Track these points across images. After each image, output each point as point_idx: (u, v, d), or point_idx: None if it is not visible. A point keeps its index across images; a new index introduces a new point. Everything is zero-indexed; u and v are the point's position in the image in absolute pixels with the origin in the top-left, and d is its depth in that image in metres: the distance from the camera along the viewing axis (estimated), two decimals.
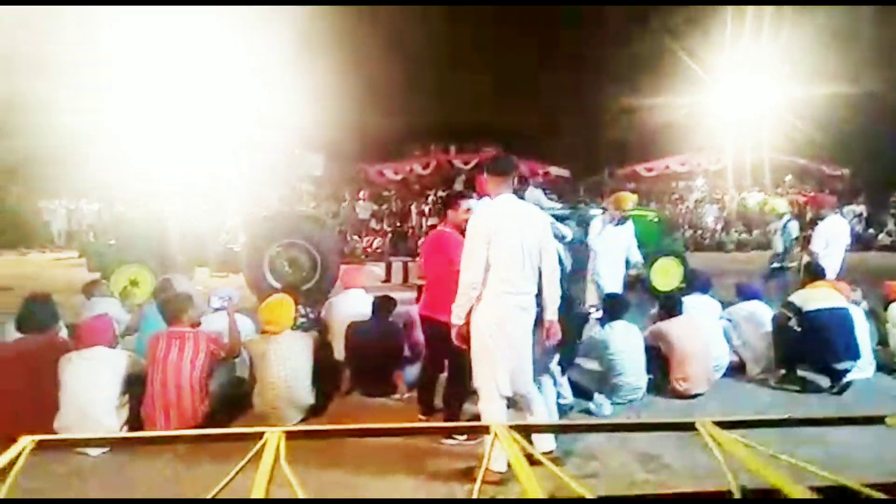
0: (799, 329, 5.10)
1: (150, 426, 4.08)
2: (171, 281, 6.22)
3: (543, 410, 3.64)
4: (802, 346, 5.08)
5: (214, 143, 10.56)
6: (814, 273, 5.73)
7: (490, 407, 3.46)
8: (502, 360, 3.47)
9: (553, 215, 9.75)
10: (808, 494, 1.23)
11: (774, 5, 20.43)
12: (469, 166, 20.73)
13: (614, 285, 6.37)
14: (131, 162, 12.58)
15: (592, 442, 3.89)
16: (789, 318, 5.17)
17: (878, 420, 1.58)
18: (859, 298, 5.95)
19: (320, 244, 9.18)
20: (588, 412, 4.67)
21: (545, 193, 10.35)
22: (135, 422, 4.13)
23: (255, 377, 4.47)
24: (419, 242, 18.81)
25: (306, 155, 10.52)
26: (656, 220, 10.94)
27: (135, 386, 4.19)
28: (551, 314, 3.56)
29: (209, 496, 1.28)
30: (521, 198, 10.12)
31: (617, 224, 6.42)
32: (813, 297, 5.20)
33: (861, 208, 20.85)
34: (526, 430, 1.55)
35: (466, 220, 3.95)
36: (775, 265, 8.31)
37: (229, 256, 9.55)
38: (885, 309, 5.85)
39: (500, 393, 3.46)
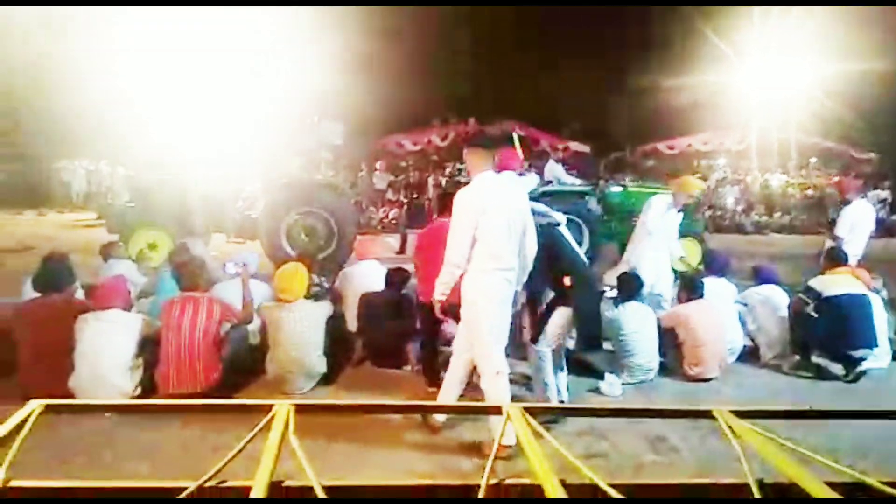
0: (816, 314, 5.03)
1: (164, 388, 4.12)
2: (188, 245, 6.25)
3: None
4: (819, 331, 5.01)
5: (235, 110, 10.51)
6: (835, 259, 5.62)
7: (497, 384, 3.46)
8: (500, 335, 3.55)
9: (573, 191, 9.77)
10: (827, 490, 1.19)
11: None
12: None
13: (656, 271, 6.18)
14: (152, 126, 12.60)
15: (602, 422, 3.88)
16: (807, 304, 5.09)
17: (893, 414, 1.53)
18: (879, 286, 5.84)
19: (337, 213, 9.19)
20: (599, 392, 4.66)
21: (565, 169, 10.25)
22: (148, 384, 4.19)
23: (269, 343, 4.51)
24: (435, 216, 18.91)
25: (326, 123, 10.43)
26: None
27: (148, 348, 4.23)
28: (522, 287, 3.82)
29: (219, 465, 1.28)
30: (540, 172, 10.13)
31: (680, 210, 6.25)
32: (833, 283, 5.11)
33: (887, 193, 20.42)
34: (539, 412, 1.53)
35: None
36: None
37: (247, 223, 9.58)
38: None
39: (502, 368, 3.49)
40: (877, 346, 5.02)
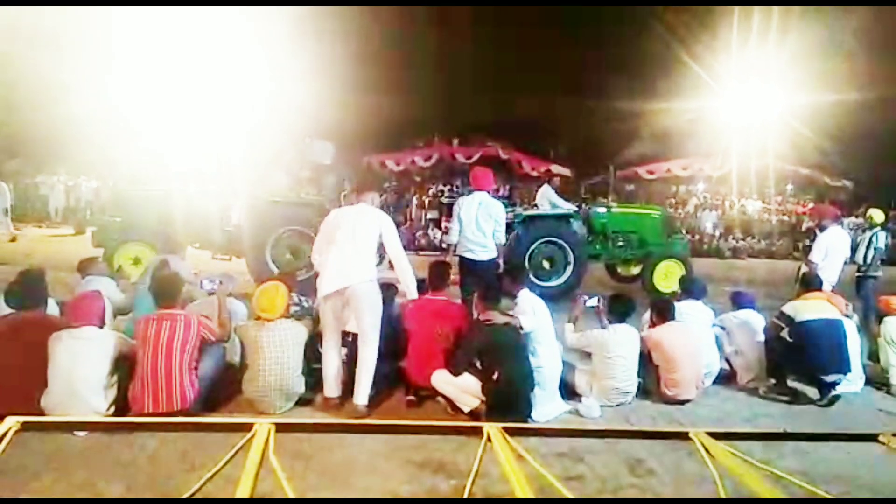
0: (791, 339, 5.10)
1: (138, 408, 4.05)
2: (168, 262, 6.19)
3: None
4: (793, 356, 5.09)
5: (220, 127, 10.51)
6: (809, 284, 5.74)
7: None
8: None
9: (558, 215, 9.98)
10: None
11: (782, 4, 20.35)
12: (471, 160, 20.78)
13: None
14: (134, 141, 12.54)
15: (581, 444, 3.88)
16: (782, 328, 5.17)
17: (870, 437, 1.57)
18: (851, 312, 5.95)
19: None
20: (577, 413, 4.68)
21: (558, 194, 10.42)
22: (122, 402, 4.12)
23: (247, 363, 4.47)
24: (417, 234, 18.92)
25: (318, 143, 10.47)
26: (660, 217, 11.01)
27: (123, 367, 4.17)
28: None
29: (197, 484, 1.27)
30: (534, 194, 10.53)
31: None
32: (806, 308, 5.20)
33: (861, 220, 20.84)
34: (518, 432, 1.54)
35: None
36: (861, 274, 8.08)
37: (232, 240, 9.53)
38: (879, 323, 5.85)
39: None
40: (849, 370, 5.11)
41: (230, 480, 1.23)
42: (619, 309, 5.11)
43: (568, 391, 4.94)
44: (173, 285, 4.44)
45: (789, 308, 5.27)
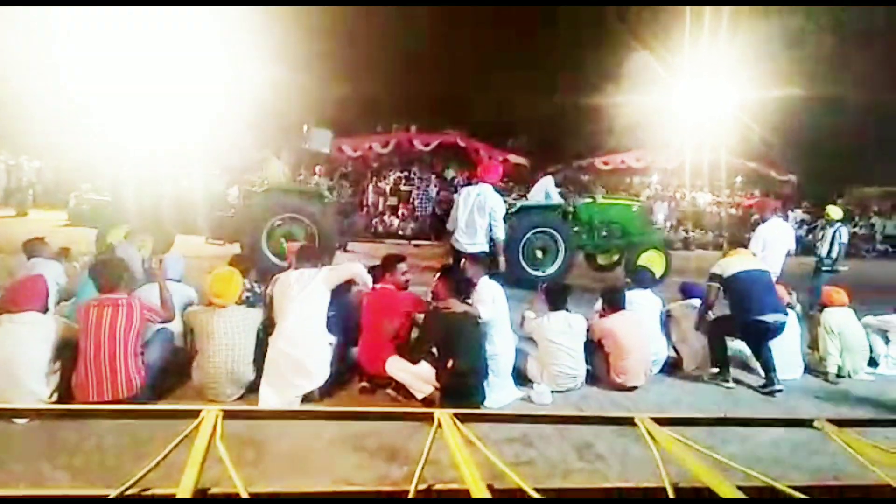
0: (725, 294, 5.39)
1: (82, 396, 3.93)
2: (115, 247, 6.02)
3: None
4: (734, 310, 5.40)
5: (175, 110, 10.32)
6: (734, 244, 5.96)
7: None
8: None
9: (549, 206, 10.28)
10: (737, 493, 1.26)
11: (733, 5, 20.87)
12: (429, 148, 20.73)
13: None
14: (80, 120, 12.14)
15: (532, 430, 3.94)
16: (717, 289, 5.40)
17: (807, 423, 1.64)
18: (794, 302, 6.18)
19: (319, 221, 9.20)
20: (529, 400, 4.75)
21: (504, 181, 10.60)
22: (66, 390, 3.99)
23: (196, 349, 4.38)
24: (374, 221, 18.81)
25: (316, 131, 10.39)
26: (640, 209, 11.43)
27: (67, 353, 4.04)
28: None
29: (141, 472, 1.25)
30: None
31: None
32: (731, 264, 5.43)
33: (805, 215, 21.64)
34: (468, 418, 1.55)
35: (406, 280, 5.05)
36: (823, 268, 8.69)
37: (224, 225, 9.49)
38: (820, 312, 6.11)
39: None
40: (784, 312, 5.34)
41: (177, 468, 1.21)
42: (555, 297, 5.22)
43: (520, 378, 5.02)
44: (115, 270, 4.29)
45: (717, 268, 5.50)
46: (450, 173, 21.37)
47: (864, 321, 6.18)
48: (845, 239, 8.71)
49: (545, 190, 10.56)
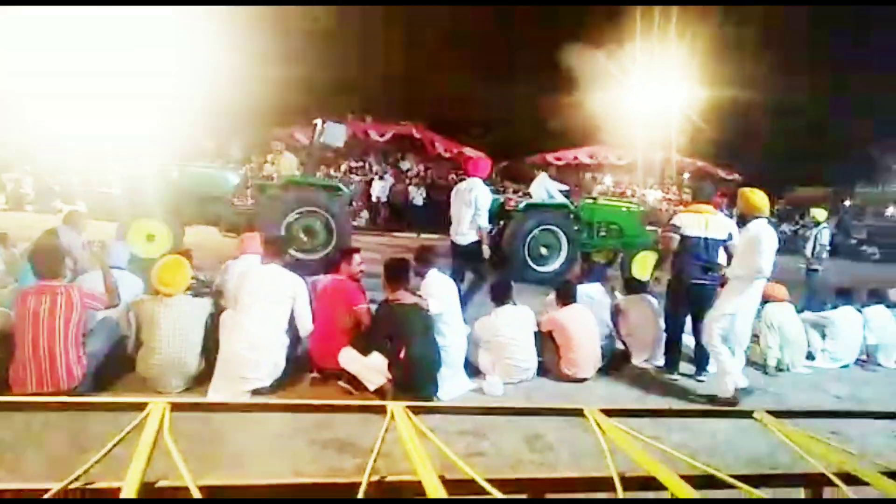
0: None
1: (20, 388, 3.78)
2: (57, 232, 5.80)
3: None
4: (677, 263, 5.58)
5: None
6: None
7: None
8: None
9: (555, 204, 10.49)
10: (679, 482, 1.30)
11: (682, 5, 21.39)
12: (384, 138, 20.62)
13: None
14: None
15: (484, 421, 3.98)
16: (676, 234, 5.51)
17: (746, 414, 1.70)
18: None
19: (336, 213, 9.31)
20: (481, 391, 4.79)
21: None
22: (2, 381, 3.84)
23: (141, 340, 4.27)
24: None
25: (330, 125, 10.21)
26: (638, 211, 11.76)
27: (3, 343, 3.88)
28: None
29: (85, 465, 1.21)
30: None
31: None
32: (690, 224, 5.51)
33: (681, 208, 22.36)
34: (420, 410, 1.56)
35: (361, 271, 5.08)
36: (807, 268, 9.18)
37: (241, 219, 9.41)
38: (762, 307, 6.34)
39: None
40: (711, 279, 5.46)
41: (124, 463, 1.18)
42: (499, 293, 5.30)
43: (473, 370, 5.06)
44: (53, 256, 4.13)
45: (678, 220, 5.66)
46: (405, 164, 21.32)
47: (802, 316, 6.44)
48: (825, 240, 9.15)
49: (545, 187, 10.80)
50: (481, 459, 3.56)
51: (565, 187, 11.91)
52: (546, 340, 5.28)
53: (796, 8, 23.68)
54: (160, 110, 10.30)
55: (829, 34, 25.06)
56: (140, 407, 1.39)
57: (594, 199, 11.59)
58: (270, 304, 4.39)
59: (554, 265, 10.17)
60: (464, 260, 6.49)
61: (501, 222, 10.31)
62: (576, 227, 10.77)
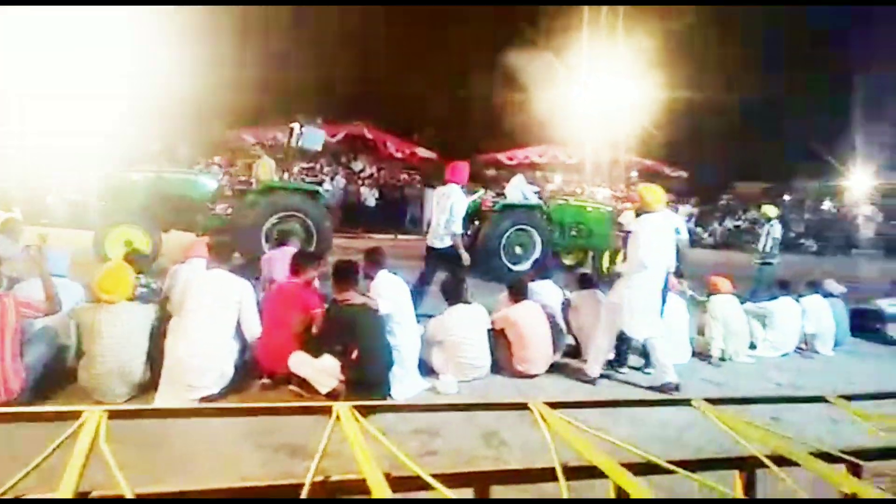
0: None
1: None
2: None
3: None
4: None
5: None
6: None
7: None
8: None
9: (529, 205, 10.75)
10: (621, 470, 1.34)
11: (629, 5, 21.86)
12: (335, 139, 20.42)
13: None
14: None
15: (438, 420, 3.99)
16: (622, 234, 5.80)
17: (685, 402, 1.76)
18: (685, 290, 6.59)
19: (315, 216, 9.37)
20: (435, 390, 4.80)
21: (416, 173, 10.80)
22: None
23: (83, 349, 4.13)
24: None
25: (308, 129, 10.24)
26: (607, 213, 11.95)
27: None
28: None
29: (18, 476, 1.17)
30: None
31: None
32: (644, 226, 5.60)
33: (693, 209, 23.00)
34: (366, 410, 1.56)
35: (314, 276, 4.99)
36: (760, 262, 9.61)
37: (219, 224, 9.34)
38: (707, 300, 6.54)
39: None
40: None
41: (60, 473, 1.15)
42: (450, 291, 5.35)
43: (428, 369, 5.07)
44: None
45: (623, 218, 5.84)
46: (357, 165, 21.16)
47: (744, 308, 6.66)
48: (777, 234, 9.66)
49: (520, 189, 11.04)
50: (435, 458, 3.58)
51: (537, 188, 12.16)
52: (499, 338, 5.33)
53: (742, 8, 24.54)
54: (106, 112, 9.98)
55: (774, 35, 26.03)
56: (76, 416, 1.35)
57: (565, 200, 11.87)
58: (216, 310, 4.31)
59: (528, 264, 10.38)
60: (439, 263, 6.55)
61: (476, 222, 10.58)
62: (548, 228, 11.01)
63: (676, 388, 5.05)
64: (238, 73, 18.88)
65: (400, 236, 15.71)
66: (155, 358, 4.29)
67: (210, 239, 5.65)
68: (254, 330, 4.48)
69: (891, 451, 1.82)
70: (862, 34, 25.85)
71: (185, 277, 4.90)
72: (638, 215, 5.43)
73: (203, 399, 4.14)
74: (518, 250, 10.46)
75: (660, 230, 5.15)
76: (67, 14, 13.04)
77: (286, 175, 10.32)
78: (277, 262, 5.89)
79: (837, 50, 26.06)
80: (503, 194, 11.35)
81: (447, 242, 6.49)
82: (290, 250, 5.93)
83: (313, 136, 10.38)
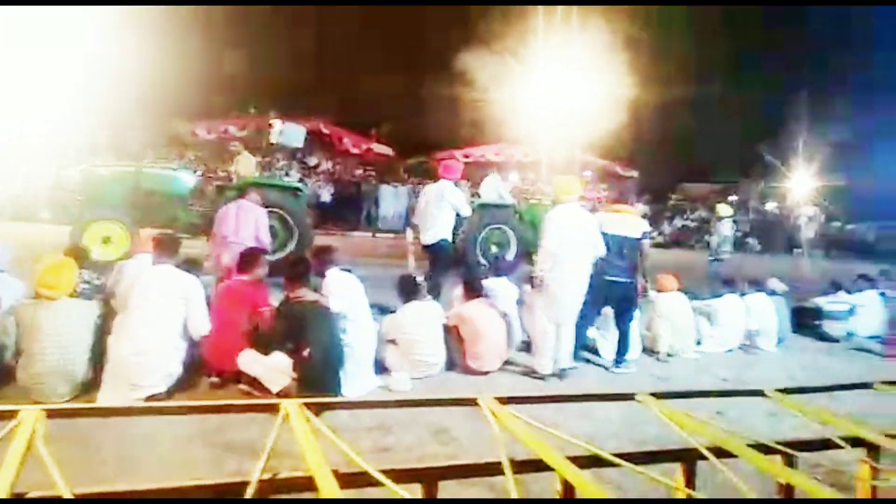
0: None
1: None
2: None
3: None
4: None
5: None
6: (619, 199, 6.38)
7: None
8: None
9: (504, 205, 10.86)
10: (566, 463, 1.37)
11: (583, 5, 22.20)
12: None
13: None
14: None
15: (391, 417, 3.99)
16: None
17: (629, 397, 1.80)
18: (648, 289, 6.73)
19: (295, 213, 9.36)
20: (388, 388, 4.80)
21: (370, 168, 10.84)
22: None
23: (22, 347, 3.98)
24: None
25: (289, 125, 10.20)
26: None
27: None
28: None
29: None
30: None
31: None
32: (611, 223, 5.78)
33: (645, 208, 23.48)
34: (316, 408, 1.55)
35: (263, 274, 4.87)
36: (712, 258, 10.16)
37: (197, 221, 9.28)
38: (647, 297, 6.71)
39: None
40: (626, 277, 5.73)
41: None
42: (405, 289, 5.35)
43: (382, 366, 5.05)
44: None
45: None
46: (312, 160, 20.90)
47: (691, 305, 6.84)
48: (728, 232, 10.19)
49: (496, 188, 11.14)
50: (387, 454, 3.57)
51: (510, 186, 12.32)
52: (453, 335, 5.35)
53: (694, 9, 25.21)
54: (50, 105, 9.68)
55: (724, 37, 26.82)
56: (11, 415, 1.31)
57: (538, 199, 12.07)
58: (162, 306, 4.20)
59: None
60: (431, 256, 6.86)
61: None
62: (523, 227, 11.14)
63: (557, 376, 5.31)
64: (190, 66, 18.43)
65: (355, 233, 15.59)
66: (98, 356, 4.17)
67: (157, 234, 5.50)
68: (200, 327, 4.37)
69: (825, 443, 1.91)
70: (810, 37, 26.93)
71: (130, 273, 4.77)
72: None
73: (149, 398, 4.03)
74: (494, 249, 10.59)
75: (572, 221, 5.29)
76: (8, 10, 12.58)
77: (266, 171, 10.32)
78: (230, 217, 5.80)
79: (787, 52, 27.03)
80: (478, 193, 11.45)
81: (440, 236, 6.79)
82: (247, 204, 5.85)
83: (294, 133, 10.35)
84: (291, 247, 9.19)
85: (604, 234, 5.60)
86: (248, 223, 6.30)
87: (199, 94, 19.22)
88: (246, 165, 10.43)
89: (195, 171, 10.45)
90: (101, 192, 8.96)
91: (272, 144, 10.36)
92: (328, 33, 24.07)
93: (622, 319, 5.83)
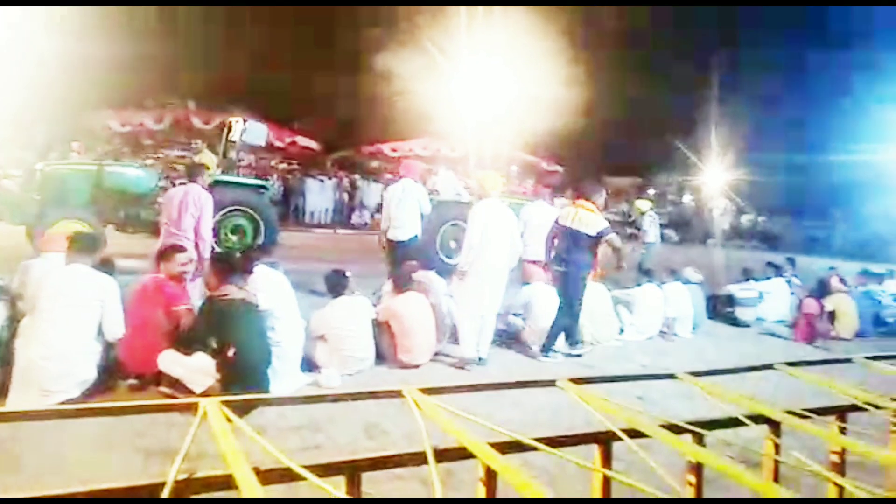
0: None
1: None
2: None
3: None
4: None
5: None
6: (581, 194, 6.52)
7: None
8: None
9: (460, 202, 10.72)
10: (488, 450, 1.40)
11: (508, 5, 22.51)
12: (210, 126, 19.46)
13: None
14: None
15: (319, 414, 3.95)
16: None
17: (549, 384, 1.86)
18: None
19: (262, 210, 9.44)
20: (317, 384, 4.74)
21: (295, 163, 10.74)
22: None
23: None
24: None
25: (252, 123, 10.01)
26: None
27: None
28: None
29: None
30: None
31: None
32: (566, 215, 6.11)
33: (567, 201, 24.05)
34: (240, 407, 1.52)
35: (183, 272, 4.80)
36: (642, 250, 11.22)
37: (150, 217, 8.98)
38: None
39: None
40: (573, 266, 5.99)
41: None
42: (332, 283, 5.32)
43: (311, 363, 4.99)
44: None
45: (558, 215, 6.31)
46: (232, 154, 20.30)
47: (611, 295, 7.09)
48: (647, 226, 11.50)
49: (452, 185, 11.37)
50: (317, 452, 3.53)
51: (464, 184, 12.36)
52: (382, 329, 5.34)
53: (617, 8, 26.01)
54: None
55: (645, 36, 27.78)
56: None
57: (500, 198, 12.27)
58: (74, 309, 3.99)
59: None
60: (399, 252, 6.89)
61: None
62: None
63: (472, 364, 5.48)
64: (103, 53, 17.53)
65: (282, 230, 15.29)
66: (5, 361, 3.94)
67: (72, 232, 5.23)
68: (115, 330, 4.17)
69: (733, 421, 2.02)
70: (726, 35, 28.27)
71: (38, 274, 4.51)
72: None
73: (62, 404, 3.84)
74: (452, 245, 10.67)
75: (493, 216, 5.54)
76: None
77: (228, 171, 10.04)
78: (173, 205, 5.61)
79: (705, 51, 28.27)
80: (436, 190, 11.48)
81: (409, 233, 6.97)
82: (195, 191, 5.66)
83: (257, 131, 10.34)
84: (259, 243, 9.15)
85: (560, 227, 6.00)
86: (190, 214, 5.95)
87: (112, 85, 18.30)
88: (207, 163, 10.17)
89: (158, 170, 10.00)
90: (64, 191, 8.61)
91: (232, 143, 10.13)
92: (247, 24, 23.46)
93: (560, 310, 5.99)
